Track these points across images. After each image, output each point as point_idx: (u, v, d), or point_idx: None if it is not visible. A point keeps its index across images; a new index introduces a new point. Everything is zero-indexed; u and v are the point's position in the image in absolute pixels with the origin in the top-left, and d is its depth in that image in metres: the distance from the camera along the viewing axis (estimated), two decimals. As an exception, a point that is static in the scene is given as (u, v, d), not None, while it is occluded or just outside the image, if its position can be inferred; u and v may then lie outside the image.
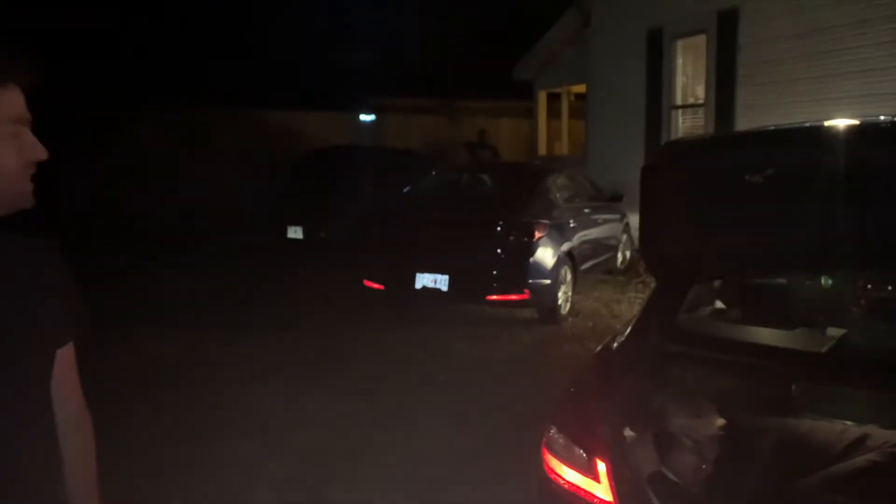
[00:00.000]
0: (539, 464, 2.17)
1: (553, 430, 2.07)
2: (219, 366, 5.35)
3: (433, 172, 8.24)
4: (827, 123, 2.19)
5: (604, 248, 8.03)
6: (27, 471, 1.20)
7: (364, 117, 15.81)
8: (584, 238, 7.30)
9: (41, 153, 1.20)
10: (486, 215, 6.62)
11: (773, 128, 2.47)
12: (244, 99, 14.66)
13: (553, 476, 2.07)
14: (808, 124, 2.31)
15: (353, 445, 4.00)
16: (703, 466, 2.13)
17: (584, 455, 1.95)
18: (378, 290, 6.79)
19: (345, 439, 4.08)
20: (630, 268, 8.70)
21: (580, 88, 12.95)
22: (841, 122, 2.13)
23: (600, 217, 7.94)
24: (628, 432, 2.16)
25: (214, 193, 12.72)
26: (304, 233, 9.67)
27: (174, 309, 6.92)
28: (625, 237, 8.81)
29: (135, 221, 11.30)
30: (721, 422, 2.22)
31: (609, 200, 8.32)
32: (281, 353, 5.71)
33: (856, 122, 2.14)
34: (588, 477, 1.97)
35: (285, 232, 9.75)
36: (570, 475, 2.01)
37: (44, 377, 1.25)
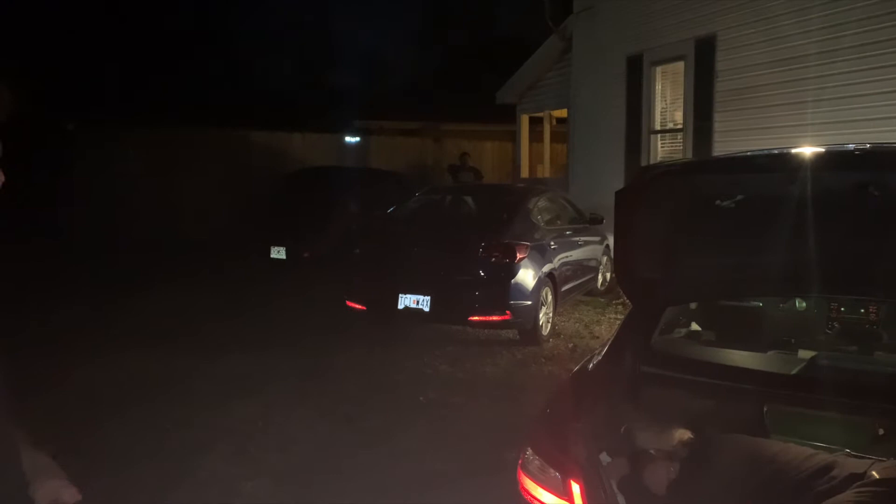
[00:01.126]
0: (515, 485, 2.18)
1: (528, 452, 2.09)
2: (199, 385, 5.31)
3: (416, 194, 8.30)
4: (795, 150, 2.25)
5: (584, 269, 8.10)
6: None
7: (350, 139, 15.88)
8: (565, 260, 7.36)
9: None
10: (469, 236, 6.67)
11: (744, 153, 2.53)
12: (230, 119, 14.69)
13: (529, 498, 2.09)
14: (776, 151, 2.37)
15: (331, 466, 3.98)
16: (676, 488, 2.15)
17: (559, 476, 1.97)
18: (361, 310, 6.80)
19: (324, 460, 4.06)
20: (610, 289, 8.77)
21: (562, 112, 13.12)
22: (808, 150, 2.19)
23: (581, 239, 8.02)
24: (603, 454, 2.18)
25: (199, 213, 12.68)
26: (287, 253, 9.67)
27: (156, 328, 6.87)
28: (605, 259, 8.89)
29: (118, 242, 11.23)
30: (693, 443, 2.25)
31: (590, 223, 8.40)
32: (262, 372, 5.68)
33: (822, 149, 2.20)
34: (562, 499, 1.98)
35: (269, 252, 9.74)
36: (545, 497, 2.03)
37: None
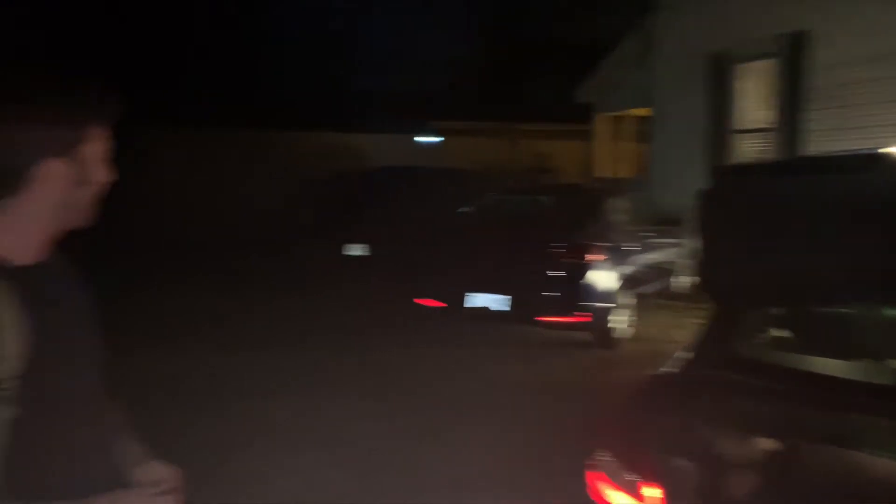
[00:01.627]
0: (582, 487, 2.16)
1: (601, 453, 2.06)
2: (273, 378, 5.48)
3: (490, 193, 8.29)
4: (890, 150, 2.14)
5: (662, 272, 7.90)
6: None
7: (425, 139, 16.05)
8: (642, 262, 7.20)
9: (110, 176, 1.33)
10: (543, 237, 6.62)
11: (836, 153, 2.42)
12: (307, 121, 15.09)
13: (598, 500, 2.06)
14: (870, 150, 2.25)
15: (397, 461, 4.03)
16: (758, 499, 2.08)
17: (634, 479, 1.94)
18: (430, 308, 6.85)
19: (390, 454, 4.11)
20: (689, 293, 8.51)
21: (641, 111, 12.84)
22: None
23: (659, 241, 7.82)
24: (682, 460, 2.13)
25: (277, 212, 13.06)
26: (362, 251, 9.84)
27: (229, 323, 7.13)
28: (684, 262, 8.64)
29: (198, 238, 11.70)
30: (778, 454, 2.17)
31: (669, 224, 8.19)
32: (329, 368, 5.81)
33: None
34: (637, 501, 1.95)
35: (342, 249, 9.93)
36: (617, 499, 1.99)
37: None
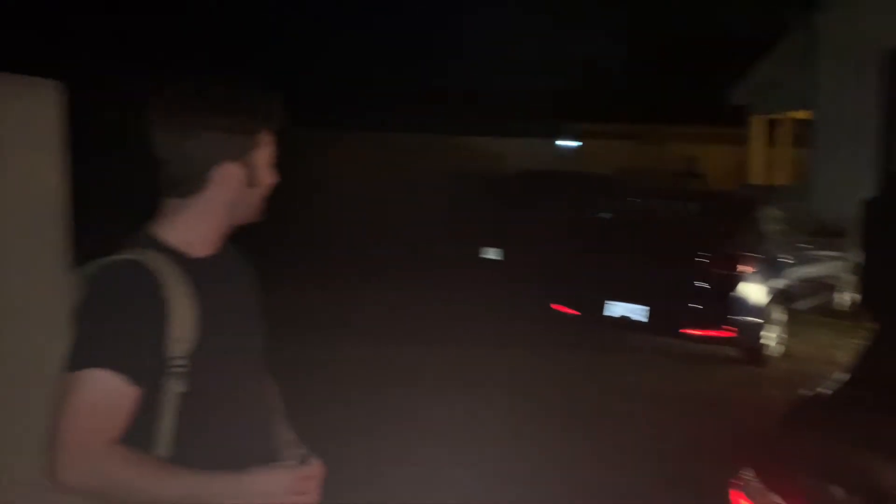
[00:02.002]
0: (727, 507, 2.06)
1: (747, 473, 1.95)
2: (410, 375, 5.63)
3: (633, 199, 8.06)
4: None
5: (821, 286, 7.29)
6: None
7: (564, 143, 15.86)
8: (799, 275, 6.70)
9: (275, 178, 1.46)
10: (689, 245, 6.33)
11: None
12: (449, 125, 15.40)
13: (742, 522, 1.95)
14: None
15: (533, 465, 4.02)
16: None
17: (781, 502, 1.82)
18: (568, 315, 6.76)
19: (524, 459, 4.11)
20: (850, 311, 7.81)
21: (802, 114, 11.96)
22: None
23: (819, 253, 7.23)
24: (836, 487, 1.98)
25: (416, 215, 13.44)
26: (497, 254, 9.89)
27: (372, 319, 7.42)
28: (845, 277, 7.93)
29: (335, 239, 12.27)
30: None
31: (831, 235, 7.56)
32: (466, 367, 5.89)
33: None
34: (783, 528, 1.83)
35: (478, 252, 10.04)
36: (761, 523, 1.89)
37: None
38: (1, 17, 10.62)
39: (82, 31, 13.47)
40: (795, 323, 6.73)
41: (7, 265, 1.40)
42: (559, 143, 15.94)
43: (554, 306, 6.83)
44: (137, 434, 1.28)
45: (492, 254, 9.97)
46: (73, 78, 1.60)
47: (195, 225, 1.38)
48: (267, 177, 1.43)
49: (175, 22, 15.29)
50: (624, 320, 6.26)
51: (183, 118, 1.32)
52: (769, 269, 6.23)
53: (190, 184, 1.35)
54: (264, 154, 1.41)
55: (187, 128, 1.32)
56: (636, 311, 6.20)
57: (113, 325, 1.26)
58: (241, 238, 1.51)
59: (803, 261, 6.84)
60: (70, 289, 1.35)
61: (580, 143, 16.07)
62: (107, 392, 1.23)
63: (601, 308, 6.37)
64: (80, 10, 13.58)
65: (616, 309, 6.30)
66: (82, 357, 1.24)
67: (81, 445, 1.20)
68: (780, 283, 6.29)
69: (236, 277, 1.49)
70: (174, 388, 1.28)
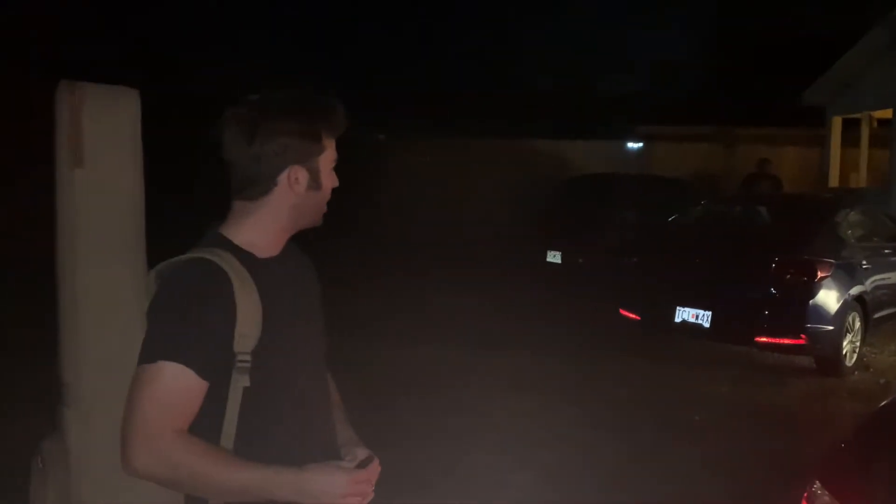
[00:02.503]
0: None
1: (817, 485, 1.88)
2: (474, 377, 5.65)
3: (702, 202, 7.85)
4: None
5: (904, 295, 6.94)
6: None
7: (632, 145, 15.57)
8: (881, 282, 6.39)
9: (336, 182, 1.50)
10: (761, 250, 6.13)
11: None
12: (514, 128, 15.37)
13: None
14: None
15: (598, 472, 3.97)
16: None
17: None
18: (634, 320, 6.65)
19: (589, 465, 4.06)
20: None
21: (885, 113, 11.39)
22: None
23: (902, 260, 6.88)
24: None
25: (483, 218, 13.47)
26: (563, 258, 9.80)
27: (439, 323, 7.47)
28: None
29: (408, 243, 12.41)
30: None
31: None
32: (533, 372, 5.86)
33: None
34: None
35: (545, 256, 9.97)
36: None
37: None
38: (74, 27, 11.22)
39: (151, 38, 14.10)
40: (874, 332, 6.42)
41: (91, 262, 1.48)
42: (629, 145, 15.67)
43: (623, 311, 6.73)
44: (204, 426, 1.34)
45: (554, 257, 9.89)
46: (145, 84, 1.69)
47: (262, 226, 1.43)
48: (330, 181, 1.47)
49: (253, 31, 15.86)
50: (689, 325, 6.11)
51: (253, 121, 1.38)
52: (847, 275, 5.97)
53: (258, 186, 1.41)
54: (328, 158, 1.46)
55: (257, 131, 1.38)
56: (706, 318, 6.04)
57: (184, 321, 1.32)
58: (311, 238, 1.57)
59: (883, 267, 6.52)
60: (146, 287, 1.42)
61: (650, 146, 15.74)
62: (176, 384, 1.29)
63: (669, 314, 6.23)
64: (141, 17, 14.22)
65: (682, 314, 6.15)
66: (155, 350, 1.30)
67: (150, 434, 1.26)
68: (859, 289, 6.02)
69: (300, 278, 1.54)
70: (239, 383, 1.33)
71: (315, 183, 1.43)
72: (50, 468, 1.47)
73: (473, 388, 5.37)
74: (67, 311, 1.48)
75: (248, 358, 1.33)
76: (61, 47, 9.59)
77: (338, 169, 1.50)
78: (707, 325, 6.02)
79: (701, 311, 6.07)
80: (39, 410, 1.85)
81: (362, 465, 1.42)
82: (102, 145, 1.47)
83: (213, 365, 1.32)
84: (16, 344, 5.44)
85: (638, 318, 6.62)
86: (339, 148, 1.48)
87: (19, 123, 8.13)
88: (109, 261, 1.48)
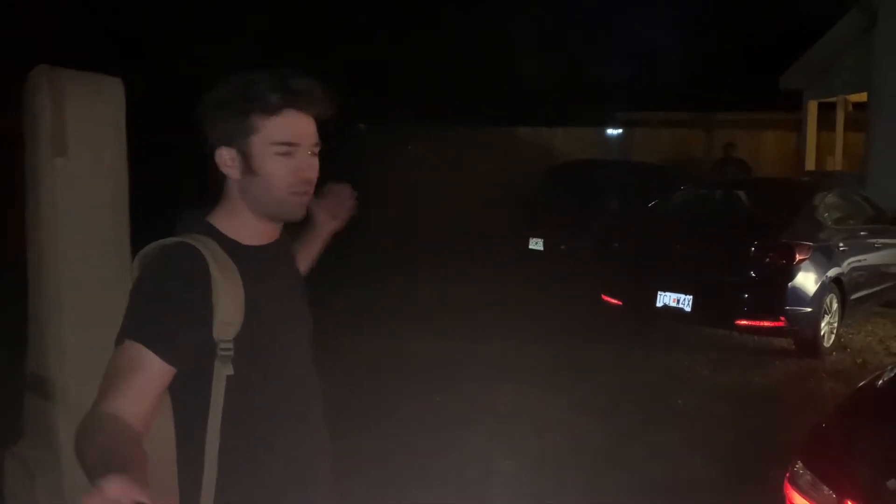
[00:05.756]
0: (781, 500, 2.03)
1: (799, 465, 1.92)
2: (465, 366, 5.66)
3: (681, 187, 7.92)
4: None
5: (882, 276, 7.05)
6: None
7: (612, 131, 15.64)
8: (857, 264, 6.49)
9: (310, 173, 1.40)
10: (740, 234, 6.20)
11: None
12: (496, 116, 15.35)
13: (794, 514, 1.92)
14: None
15: (585, 458, 4.01)
16: None
17: (833, 495, 1.79)
18: (616, 305, 6.70)
19: (577, 451, 4.11)
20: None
21: (860, 97, 11.53)
22: None
23: (879, 241, 6.99)
24: (892, 482, 1.93)
25: (465, 206, 13.47)
26: (545, 245, 9.84)
27: (426, 312, 7.48)
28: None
29: (393, 233, 12.38)
30: None
31: (892, 223, 7.30)
32: (517, 358, 5.90)
33: None
34: (837, 520, 1.80)
35: (527, 243, 10.01)
36: (814, 515, 1.86)
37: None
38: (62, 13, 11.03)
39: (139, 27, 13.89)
40: (851, 313, 6.53)
41: (75, 255, 1.46)
42: (609, 132, 15.72)
43: (605, 297, 6.77)
44: (191, 414, 1.33)
45: (535, 245, 9.92)
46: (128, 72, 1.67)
47: (236, 213, 1.41)
48: (275, 166, 1.36)
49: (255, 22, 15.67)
50: (671, 310, 6.17)
51: (198, 103, 1.37)
52: (825, 257, 6.06)
53: (215, 171, 1.39)
54: (263, 140, 1.35)
55: (198, 113, 1.36)
56: (684, 301, 6.10)
57: (155, 303, 1.29)
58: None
59: (860, 249, 6.63)
60: (131, 272, 1.40)
61: (630, 132, 15.81)
62: (130, 364, 1.24)
63: (650, 299, 6.29)
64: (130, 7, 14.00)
65: (664, 299, 6.21)
66: (121, 332, 1.28)
67: (94, 405, 1.20)
68: (836, 271, 6.11)
69: (285, 268, 1.53)
70: (222, 371, 1.31)
71: (247, 167, 1.35)
72: (38, 474, 1.42)
73: (458, 377, 5.39)
74: (50, 306, 1.45)
75: (230, 346, 1.31)
76: (51, 38, 9.41)
77: (319, 158, 1.43)
78: (688, 309, 6.09)
79: (682, 296, 6.13)
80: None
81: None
82: (85, 134, 1.43)
83: (185, 350, 1.28)
84: None
85: (620, 303, 6.67)
86: (320, 137, 1.41)
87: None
88: (93, 253, 1.46)
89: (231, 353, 1.31)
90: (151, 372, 1.25)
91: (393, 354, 5.97)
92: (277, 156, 1.35)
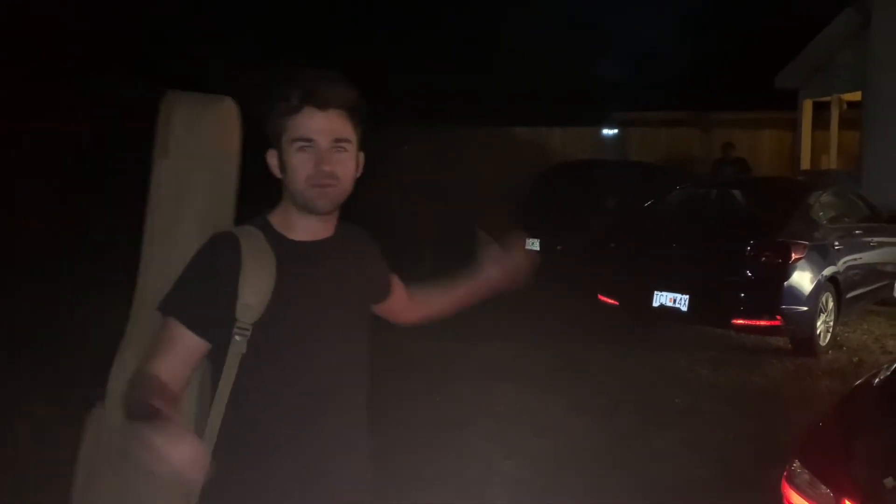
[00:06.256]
0: (779, 499, 2.04)
1: (796, 464, 1.93)
2: (465, 365, 5.64)
3: (678, 187, 7.94)
4: None
5: (877, 275, 7.09)
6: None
7: (609, 131, 15.65)
8: (853, 263, 6.52)
9: (327, 166, 1.45)
10: (736, 233, 6.22)
11: None
12: (493, 117, 15.35)
13: (791, 513, 1.94)
14: None
15: (585, 457, 4.02)
16: None
17: (831, 494, 1.80)
18: (613, 305, 6.71)
19: (576, 451, 4.11)
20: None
21: (855, 96, 11.58)
22: None
23: (874, 240, 7.03)
24: (889, 480, 1.95)
25: (459, 206, 13.46)
26: (541, 245, 9.85)
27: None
28: (904, 264, 7.68)
29: (384, 231, 12.35)
30: None
31: (887, 222, 7.33)
32: (516, 359, 5.90)
33: None
34: (834, 519, 1.81)
35: (523, 244, 10.01)
36: (811, 514, 1.87)
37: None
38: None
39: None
40: (847, 312, 6.56)
41: (173, 233, 1.61)
42: (606, 131, 15.74)
43: (601, 297, 6.78)
44: (211, 387, 1.43)
45: (532, 245, 9.93)
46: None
47: (285, 210, 1.52)
48: (292, 161, 1.45)
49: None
50: (668, 310, 6.19)
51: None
52: (820, 256, 6.08)
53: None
54: (289, 138, 1.45)
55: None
56: (681, 301, 6.12)
57: (190, 281, 1.43)
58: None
59: (855, 247, 6.66)
60: None
61: (627, 132, 15.82)
62: (169, 335, 1.40)
63: (646, 298, 6.31)
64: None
65: (660, 299, 6.23)
66: (161, 304, 1.44)
67: (139, 366, 1.38)
68: (832, 270, 6.14)
69: (340, 264, 1.54)
70: (236, 348, 1.40)
71: (283, 165, 1.47)
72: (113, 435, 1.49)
73: (457, 377, 5.39)
74: (151, 273, 1.59)
75: (247, 326, 1.39)
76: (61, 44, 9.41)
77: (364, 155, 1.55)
78: (685, 308, 6.10)
79: (679, 296, 6.14)
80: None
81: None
82: (185, 141, 1.65)
83: (211, 323, 1.40)
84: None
85: (616, 303, 6.68)
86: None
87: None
88: (192, 231, 1.60)
89: (248, 333, 1.39)
90: (182, 343, 1.40)
91: (392, 354, 5.96)
92: (297, 151, 1.45)
